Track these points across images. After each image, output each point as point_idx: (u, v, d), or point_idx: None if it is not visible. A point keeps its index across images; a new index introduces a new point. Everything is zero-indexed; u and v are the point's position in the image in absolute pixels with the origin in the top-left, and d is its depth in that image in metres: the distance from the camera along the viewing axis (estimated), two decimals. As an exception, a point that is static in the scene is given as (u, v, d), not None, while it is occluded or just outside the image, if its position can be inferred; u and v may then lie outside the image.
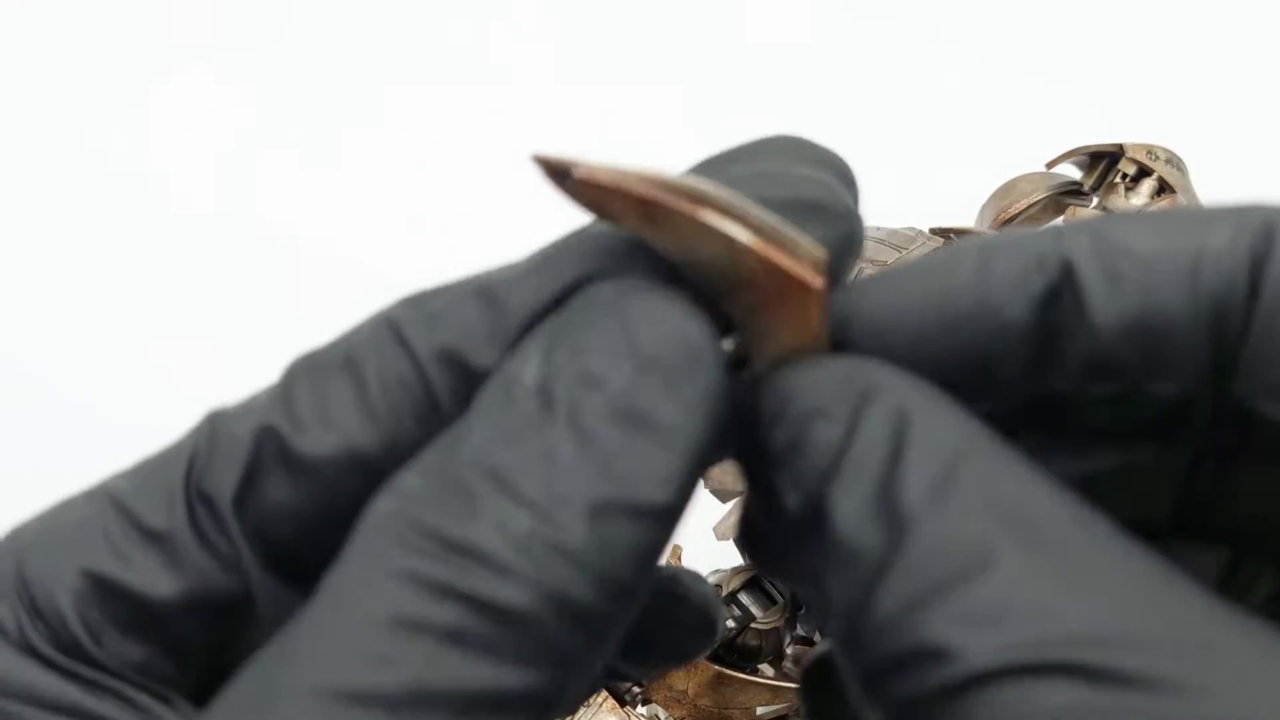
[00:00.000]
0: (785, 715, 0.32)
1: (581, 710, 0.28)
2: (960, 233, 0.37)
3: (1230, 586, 0.15)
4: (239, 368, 0.67)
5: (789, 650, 0.33)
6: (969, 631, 0.12)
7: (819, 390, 0.14)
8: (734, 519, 0.35)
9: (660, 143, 0.67)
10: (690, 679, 0.30)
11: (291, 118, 0.69)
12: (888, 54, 0.66)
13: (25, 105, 0.69)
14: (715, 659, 0.31)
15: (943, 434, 0.13)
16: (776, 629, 0.33)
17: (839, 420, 0.13)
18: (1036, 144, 0.39)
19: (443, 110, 0.70)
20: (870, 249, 0.37)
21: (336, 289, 0.66)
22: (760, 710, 0.32)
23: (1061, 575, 0.12)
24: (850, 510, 0.13)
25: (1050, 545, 0.12)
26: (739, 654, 0.32)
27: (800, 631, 0.33)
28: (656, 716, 0.30)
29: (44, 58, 0.70)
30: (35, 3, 0.71)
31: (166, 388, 0.63)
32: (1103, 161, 0.37)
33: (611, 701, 0.29)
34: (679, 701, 0.31)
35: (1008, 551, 0.12)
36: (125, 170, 0.67)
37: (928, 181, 0.52)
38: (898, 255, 0.36)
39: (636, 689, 0.29)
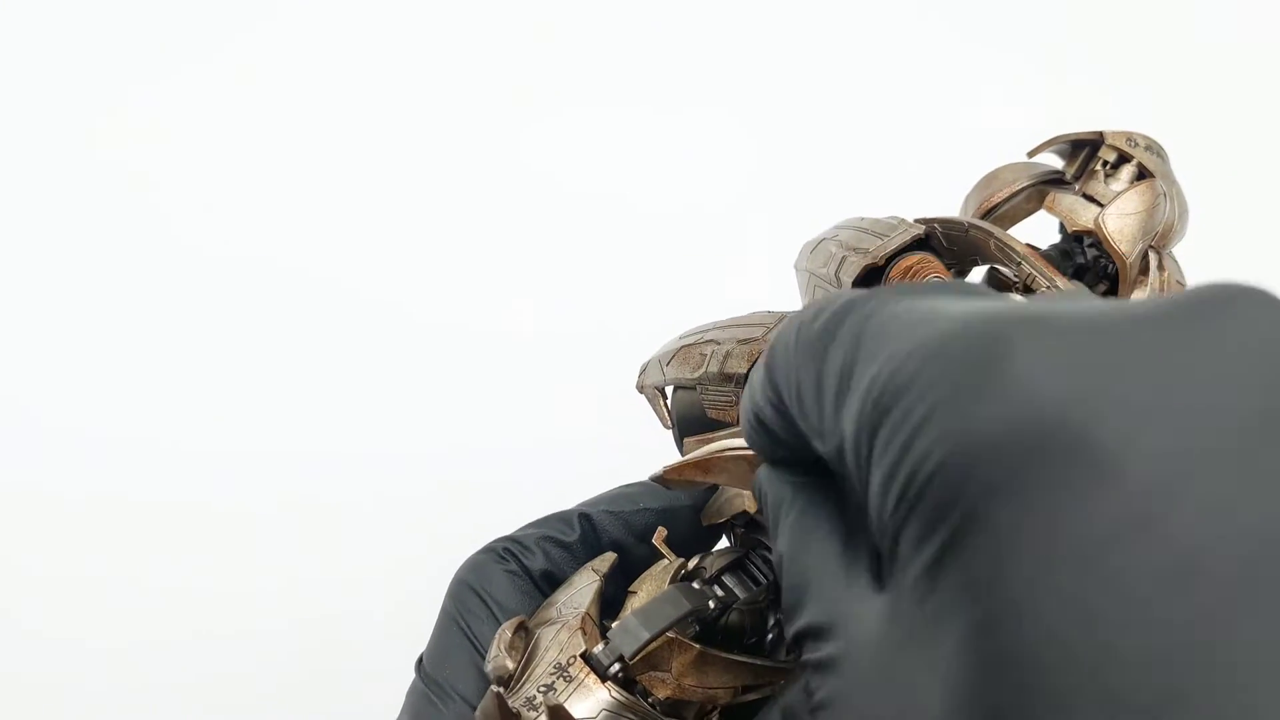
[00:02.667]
0: (769, 695, 0.32)
1: (563, 685, 0.28)
2: (945, 222, 0.37)
3: None
4: (231, 379, 0.67)
5: (772, 633, 0.33)
6: None
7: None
8: (720, 501, 0.35)
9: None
10: (675, 658, 0.30)
11: (289, 124, 0.70)
12: (875, 45, 0.67)
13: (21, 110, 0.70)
14: (699, 639, 0.31)
15: None
16: (760, 610, 0.33)
17: None
18: (1021, 133, 0.39)
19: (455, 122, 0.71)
20: (852, 237, 0.37)
21: (329, 299, 0.66)
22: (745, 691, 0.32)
23: None
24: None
25: None
26: (723, 635, 0.32)
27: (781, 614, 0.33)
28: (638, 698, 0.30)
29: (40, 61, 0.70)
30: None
31: (160, 400, 0.64)
32: (1084, 149, 0.37)
33: (594, 676, 0.29)
34: (663, 682, 0.31)
35: None
36: (113, 174, 0.68)
37: (912, 171, 0.52)
38: (879, 242, 0.36)
39: (617, 665, 0.29)
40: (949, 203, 0.40)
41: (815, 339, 0.22)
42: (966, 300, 0.20)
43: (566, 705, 0.28)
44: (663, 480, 0.32)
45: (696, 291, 0.65)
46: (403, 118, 0.69)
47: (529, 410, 0.64)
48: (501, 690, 0.28)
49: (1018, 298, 0.22)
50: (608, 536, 0.34)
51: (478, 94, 0.70)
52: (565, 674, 0.29)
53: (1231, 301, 0.18)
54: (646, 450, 0.44)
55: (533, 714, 0.28)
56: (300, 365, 0.65)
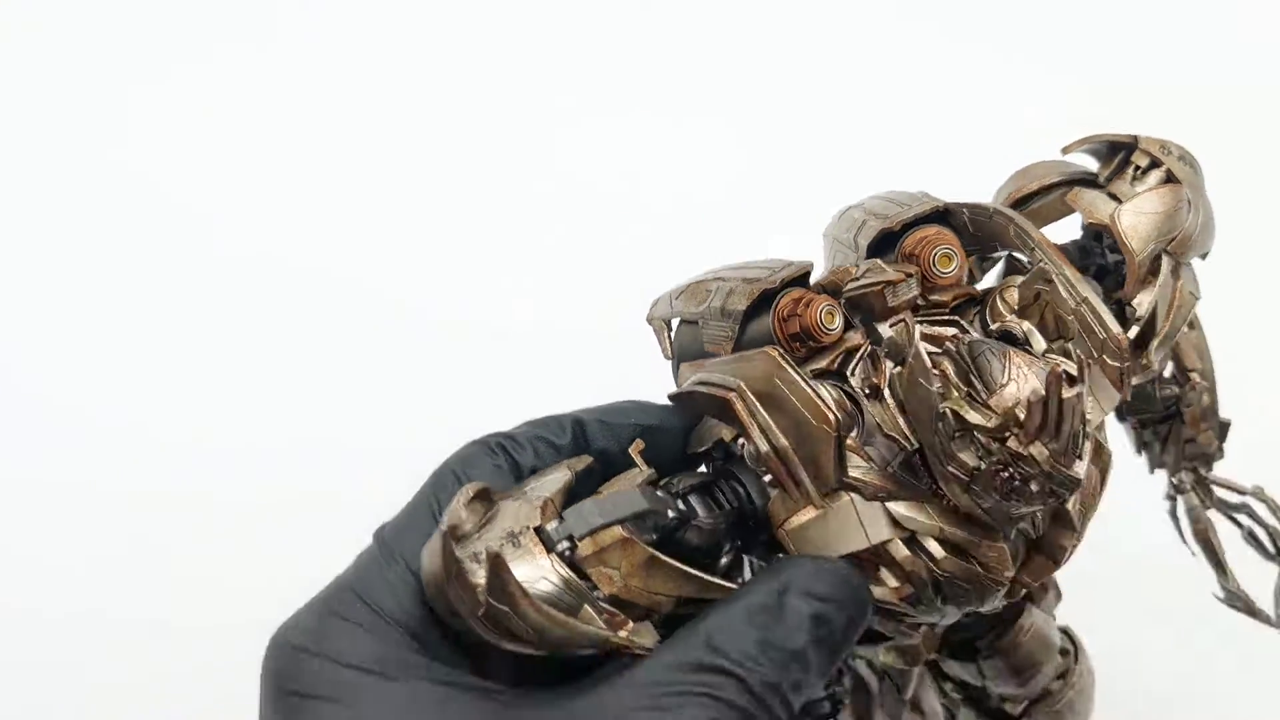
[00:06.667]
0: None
1: (511, 549, 0.30)
2: (973, 207, 0.38)
3: None
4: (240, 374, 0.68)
5: (725, 559, 0.34)
6: None
7: None
8: (702, 430, 0.36)
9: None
10: (625, 557, 0.31)
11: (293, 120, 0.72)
12: (913, 50, 0.67)
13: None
14: (654, 547, 0.32)
15: None
16: (717, 535, 0.33)
17: None
18: (1058, 135, 0.40)
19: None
20: (877, 205, 0.38)
21: (334, 295, 0.68)
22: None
23: None
24: None
25: None
26: (677, 550, 0.33)
27: (738, 543, 0.34)
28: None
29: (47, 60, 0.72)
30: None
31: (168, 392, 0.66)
32: (1119, 153, 0.38)
33: (542, 548, 0.30)
34: (610, 579, 0.31)
35: None
36: (123, 173, 0.70)
37: (948, 172, 0.53)
38: (899, 210, 0.37)
39: (566, 543, 0.30)
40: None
41: None
42: None
43: (509, 563, 0.29)
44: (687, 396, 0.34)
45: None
46: (405, 117, 0.71)
47: (531, 405, 0.65)
48: (449, 534, 0.29)
49: None
50: (597, 444, 0.35)
51: (482, 98, 0.72)
52: (515, 540, 0.30)
53: None
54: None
55: (475, 566, 0.29)
56: (305, 358, 0.66)
